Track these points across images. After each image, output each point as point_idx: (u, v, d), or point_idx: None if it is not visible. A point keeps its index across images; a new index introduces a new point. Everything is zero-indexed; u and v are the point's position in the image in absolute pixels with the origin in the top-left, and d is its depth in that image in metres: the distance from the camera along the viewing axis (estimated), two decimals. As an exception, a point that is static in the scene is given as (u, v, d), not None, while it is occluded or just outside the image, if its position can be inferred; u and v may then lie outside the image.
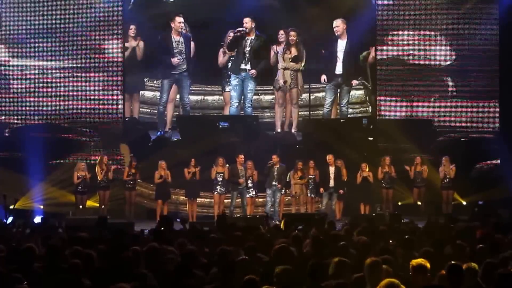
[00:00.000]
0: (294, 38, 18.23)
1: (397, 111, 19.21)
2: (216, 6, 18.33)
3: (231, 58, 18.46)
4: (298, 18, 18.63)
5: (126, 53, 18.50)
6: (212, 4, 18.43)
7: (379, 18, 18.93)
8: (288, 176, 17.14)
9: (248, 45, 18.26)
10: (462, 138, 19.06)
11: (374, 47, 18.89)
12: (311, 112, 19.02)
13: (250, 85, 18.41)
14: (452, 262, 6.23)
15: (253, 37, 18.26)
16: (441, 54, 19.18)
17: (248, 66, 18.25)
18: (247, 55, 18.26)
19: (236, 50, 18.30)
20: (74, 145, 18.26)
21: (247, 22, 18.12)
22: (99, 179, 16.81)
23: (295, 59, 18.34)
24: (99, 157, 17.13)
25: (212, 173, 16.87)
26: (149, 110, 19.15)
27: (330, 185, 17.03)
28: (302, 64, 18.43)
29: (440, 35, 19.13)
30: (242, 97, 18.49)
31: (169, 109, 18.56)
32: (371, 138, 18.65)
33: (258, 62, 18.32)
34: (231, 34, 18.29)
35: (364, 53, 18.90)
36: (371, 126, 18.88)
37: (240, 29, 18.15)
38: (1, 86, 18.42)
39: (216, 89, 19.20)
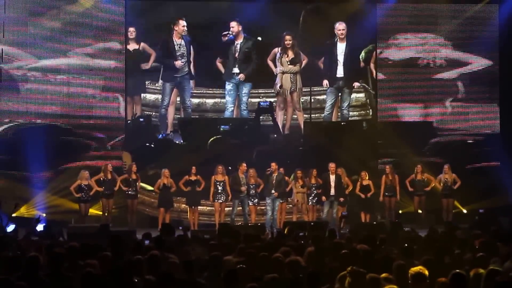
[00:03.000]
0: (290, 42, 18.41)
1: (397, 114, 19.26)
2: (217, 10, 18.48)
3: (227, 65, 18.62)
4: (298, 24, 18.74)
5: (128, 55, 18.57)
6: (213, 8, 18.55)
7: (380, 22, 19.02)
8: (287, 183, 17.20)
9: (238, 49, 18.42)
10: (462, 140, 19.08)
11: (375, 51, 19.01)
12: (311, 115, 19.14)
13: (245, 88, 18.61)
14: (456, 270, 6.27)
15: (241, 41, 18.40)
16: (442, 58, 19.24)
17: (238, 70, 18.45)
18: (238, 59, 18.44)
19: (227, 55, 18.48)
20: (76, 149, 18.28)
21: (234, 26, 18.25)
22: (95, 188, 16.78)
23: (293, 62, 18.53)
24: (103, 166, 17.15)
25: (211, 182, 16.90)
26: (151, 113, 19.17)
27: (331, 193, 17.06)
28: (301, 66, 18.60)
29: (440, 39, 19.21)
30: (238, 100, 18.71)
31: (171, 111, 18.67)
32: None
33: (247, 65, 18.49)
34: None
35: (366, 49, 19.00)
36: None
37: (225, 32, 18.24)
38: (3, 88, 18.45)
39: (217, 92, 19.28)
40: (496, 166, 18.76)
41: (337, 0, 18.91)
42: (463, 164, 18.32)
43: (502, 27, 18.93)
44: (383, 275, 6.42)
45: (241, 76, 18.41)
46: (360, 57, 18.95)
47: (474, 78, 19.17)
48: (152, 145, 18.36)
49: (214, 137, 18.06)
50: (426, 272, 6.15)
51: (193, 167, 16.85)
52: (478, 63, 19.13)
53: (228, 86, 18.60)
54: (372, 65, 19.06)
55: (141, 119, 18.77)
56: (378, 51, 19.12)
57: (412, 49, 19.25)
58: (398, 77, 19.20)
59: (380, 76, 19.11)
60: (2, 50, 18.31)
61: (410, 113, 19.33)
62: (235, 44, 18.39)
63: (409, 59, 19.27)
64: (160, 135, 18.62)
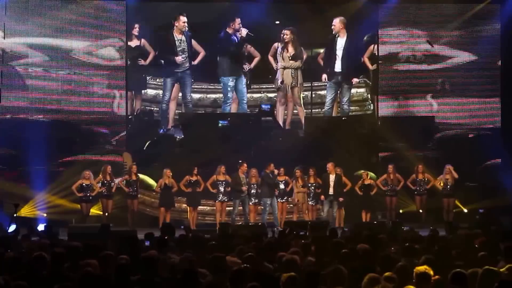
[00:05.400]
0: (288, 36, 18.47)
1: (398, 109, 19.28)
2: (218, 10, 18.53)
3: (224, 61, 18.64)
4: (299, 27, 18.74)
5: (129, 52, 18.57)
6: (213, 7, 18.60)
7: (381, 21, 19.01)
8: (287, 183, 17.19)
9: (242, 45, 18.61)
10: (463, 135, 19.08)
11: (375, 46, 18.98)
12: (312, 110, 19.15)
13: (244, 80, 18.75)
14: (457, 270, 6.27)
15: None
16: (443, 54, 19.26)
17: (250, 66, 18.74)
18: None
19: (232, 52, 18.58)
20: (76, 145, 18.28)
21: (240, 23, 18.36)
22: (97, 189, 16.80)
23: (294, 57, 18.55)
24: (102, 167, 17.12)
25: (210, 180, 16.89)
26: (153, 108, 19.17)
27: (329, 193, 17.05)
28: (302, 62, 18.64)
29: (443, 36, 19.22)
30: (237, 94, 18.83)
31: (172, 107, 18.70)
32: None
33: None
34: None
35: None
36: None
37: (249, 32, 18.34)
38: (5, 84, 18.39)
39: (218, 87, 19.26)
40: (497, 163, 18.77)
41: (338, 1, 18.94)
42: (463, 160, 18.25)
43: (504, 25, 18.94)
44: (386, 274, 6.42)
45: (247, 65, 18.64)
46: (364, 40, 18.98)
47: (476, 74, 19.16)
48: (155, 138, 18.43)
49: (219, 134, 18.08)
50: (431, 272, 6.15)
51: (195, 168, 16.86)
52: (480, 59, 19.13)
53: (232, 83, 18.60)
54: (366, 59, 19.02)
55: (144, 114, 18.80)
56: (380, 47, 19.12)
57: (413, 46, 19.24)
58: (399, 73, 19.19)
59: (381, 71, 19.07)
60: (2, 50, 18.32)
61: (411, 108, 19.33)
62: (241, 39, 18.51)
63: (410, 56, 19.26)
64: (161, 130, 18.66)
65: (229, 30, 18.45)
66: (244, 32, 18.37)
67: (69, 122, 18.45)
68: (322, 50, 18.96)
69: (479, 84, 19.22)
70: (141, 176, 17.58)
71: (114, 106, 18.68)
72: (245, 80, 18.75)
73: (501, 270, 6.69)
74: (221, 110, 19.01)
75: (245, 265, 7.14)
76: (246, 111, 18.94)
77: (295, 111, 19.00)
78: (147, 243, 10.35)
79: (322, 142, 17.94)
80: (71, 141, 18.28)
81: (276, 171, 17.00)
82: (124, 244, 9.01)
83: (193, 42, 18.59)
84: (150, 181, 17.99)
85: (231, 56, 18.56)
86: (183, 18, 18.24)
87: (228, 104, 18.75)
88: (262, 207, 17.10)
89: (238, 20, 18.35)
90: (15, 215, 15.21)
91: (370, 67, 19.05)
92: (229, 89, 18.68)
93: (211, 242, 9.15)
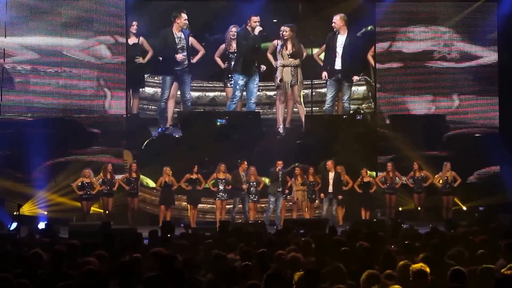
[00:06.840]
0: (286, 33, 18.43)
1: (398, 107, 19.29)
2: (219, 6, 18.55)
3: (240, 59, 18.58)
4: (299, 27, 18.74)
5: (128, 50, 18.57)
6: (213, 4, 18.61)
7: (380, 19, 19.02)
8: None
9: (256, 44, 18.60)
10: (463, 134, 19.07)
11: (374, 44, 19.00)
12: (313, 109, 19.14)
13: (257, 79, 18.66)
14: (456, 267, 6.29)
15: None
16: (441, 51, 19.27)
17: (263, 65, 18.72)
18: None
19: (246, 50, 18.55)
20: (76, 143, 18.29)
21: (257, 21, 18.32)
22: (97, 188, 16.84)
23: (294, 55, 18.50)
24: (103, 166, 17.13)
25: (210, 178, 16.90)
26: (149, 107, 19.13)
27: (329, 191, 17.08)
28: (302, 59, 18.59)
29: (441, 32, 19.23)
30: (245, 93, 18.72)
31: (170, 105, 18.66)
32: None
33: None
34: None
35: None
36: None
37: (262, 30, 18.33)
38: (4, 83, 18.39)
39: (218, 85, 19.24)
40: (496, 162, 18.79)
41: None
42: (462, 158, 18.27)
43: (500, 24, 18.97)
44: (387, 271, 6.44)
45: (264, 67, 18.56)
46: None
47: (474, 72, 19.17)
48: (154, 138, 18.41)
49: (217, 132, 18.07)
50: (427, 269, 6.15)
51: (195, 166, 16.89)
52: (477, 57, 19.14)
53: (242, 82, 18.54)
54: (370, 57, 19.03)
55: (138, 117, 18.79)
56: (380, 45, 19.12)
57: (412, 43, 19.25)
58: (399, 70, 19.19)
59: (381, 69, 19.07)
60: (4, 49, 18.35)
61: (410, 106, 19.32)
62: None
63: (409, 53, 19.25)
64: (160, 129, 18.64)
65: (248, 28, 18.41)
66: (257, 30, 18.34)
67: (68, 120, 18.45)
68: (321, 48, 18.95)
69: (477, 82, 19.21)
70: (145, 180, 17.65)
71: (112, 104, 18.66)
72: (258, 79, 18.66)
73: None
74: (227, 107, 18.94)
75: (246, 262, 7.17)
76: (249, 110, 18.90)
77: (295, 109, 18.99)
78: (145, 241, 10.36)
79: (322, 140, 17.95)
80: (70, 140, 18.28)
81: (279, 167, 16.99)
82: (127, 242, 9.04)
83: (193, 40, 18.58)
84: (148, 181, 18.01)
85: (245, 54, 18.49)
86: (184, 16, 18.25)
87: (234, 103, 18.69)
88: (267, 205, 17.13)
89: (254, 18, 18.31)
90: (15, 213, 15.24)
91: (374, 64, 19.04)
92: (237, 87, 18.61)
93: (208, 240, 9.18)
